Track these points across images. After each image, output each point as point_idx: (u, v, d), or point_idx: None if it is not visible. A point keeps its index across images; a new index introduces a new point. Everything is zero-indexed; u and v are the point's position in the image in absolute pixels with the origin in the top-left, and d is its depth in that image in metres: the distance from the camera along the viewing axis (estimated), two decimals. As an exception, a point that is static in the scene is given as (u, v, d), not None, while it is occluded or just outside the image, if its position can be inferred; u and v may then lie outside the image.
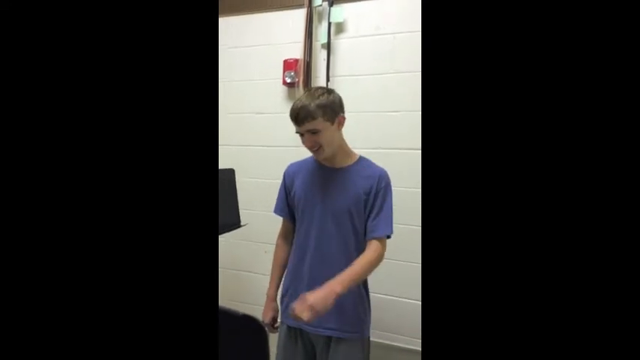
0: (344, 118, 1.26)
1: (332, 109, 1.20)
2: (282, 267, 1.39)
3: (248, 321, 0.88)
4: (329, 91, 1.24)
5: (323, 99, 1.19)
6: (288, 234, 1.41)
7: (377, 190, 1.25)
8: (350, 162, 1.30)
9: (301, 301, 1.10)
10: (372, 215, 1.25)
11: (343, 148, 1.29)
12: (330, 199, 1.26)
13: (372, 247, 1.23)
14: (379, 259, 1.24)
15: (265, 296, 1.40)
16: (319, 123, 1.18)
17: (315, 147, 1.22)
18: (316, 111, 1.17)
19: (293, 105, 1.21)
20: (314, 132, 1.19)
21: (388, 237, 1.27)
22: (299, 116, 1.17)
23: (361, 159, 1.32)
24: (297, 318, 1.09)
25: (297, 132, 1.23)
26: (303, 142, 1.24)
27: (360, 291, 1.30)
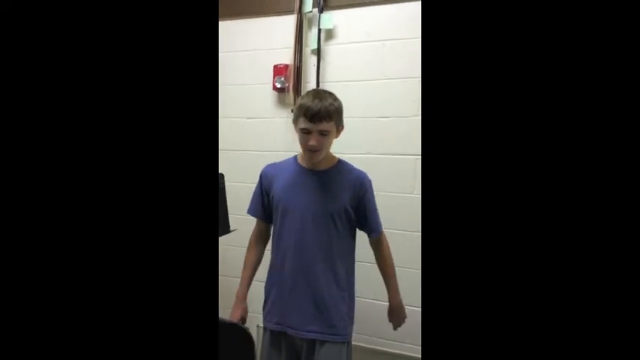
0: (343, 128, 1.28)
1: (341, 116, 1.25)
2: (253, 268, 1.40)
3: (236, 329, 0.88)
4: (338, 98, 1.26)
5: (337, 103, 1.23)
6: (262, 235, 1.41)
7: (363, 193, 1.28)
8: (330, 164, 1.30)
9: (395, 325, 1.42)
10: (369, 216, 1.30)
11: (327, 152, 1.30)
12: (312, 202, 1.26)
13: (384, 246, 1.37)
14: (389, 250, 1.40)
15: (248, 300, 1.39)
16: (332, 125, 1.21)
17: (318, 148, 1.21)
18: (334, 113, 1.20)
19: (308, 103, 1.18)
20: (324, 133, 1.20)
21: None
22: (320, 114, 1.16)
23: (340, 162, 1.33)
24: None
25: (304, 129, 1.20)
26: (307, 141, 1.21)
27: (342, 294, 1.29)
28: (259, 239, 1.41)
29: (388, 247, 1.38)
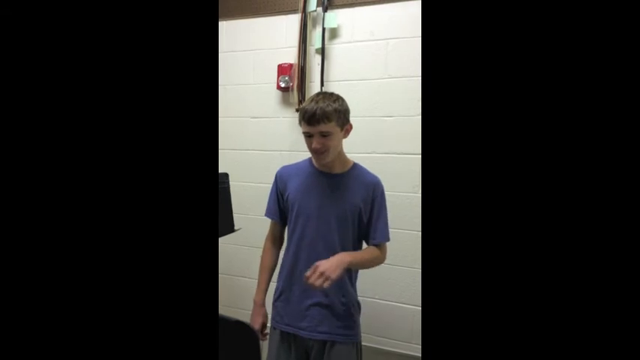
0: (351, 127, 1.28)
1: (344, 115, 1.23)
2: (270, 272, 1.38)
3: (241, 327, 0.88)
4: (341, 98, 1.25)
5: (337, 104, 1.21)
6: (277, 238, 1.40)
7: (373, 198, 1.27)
8: (346, 168, 1.30)
9: (312, 269, 1.12)
10: (372, 222, 1.28)
11: (341, 155, 1.29)
12: (327, 205, 1.26)
13: (380, 254, 1.30)
14: (381, 260, 1.31)
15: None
16: (332, 127, 1.19)
17: (322, 150, 1.21)
18: (332, 114, 1.18)
19: (307, 105, 1.20)
20: (325, 134, 1.19)
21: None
22: (315, 116, 1.17)
23: (356, 165, 1.33)
24: (312, 287, 1.12)
25: (305, 132, 1.21)
26: (310, 144, 1.22)
27: (352, 295, 1.31)
28: (274, 242, 1.41)
29: (383, 256, 1.31)
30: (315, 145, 1.20)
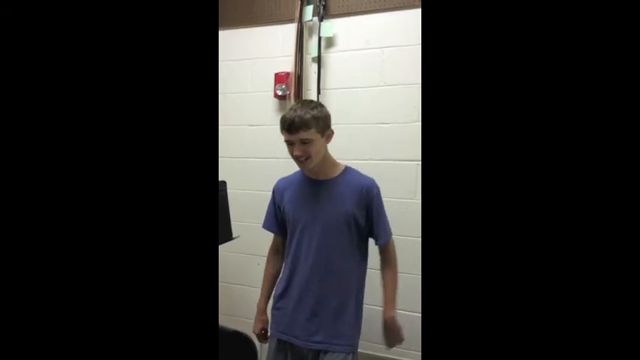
0: (333, 133, 1.29)
1: (324, 122, 1.24)
2: (272, 281, 1.41)
3: (239, 337, 0.88)
4: (321, 105, 1.27)
5: (316, 111, 1.22)
6: (279, 248, 1.41)
7: (369, 200, 1.28)
8: (336, 173, 1.31)
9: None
10: (375, 223, 1.29)
11: (328, 160, 1.30)
12: (320, 212, 1.27)
13: (391, 257, 1.34)
14: (395, 263, 1.36)
15: (250, 309, 1.41)
16: (312, 134, 1.20)
17: (304, 157, 1.22)
18: (311, 121, 1.19)
19: (286, 114, 1.22)
20: (305, 142, 1.20)
21: None
22: (294, 124, 1.18)
23: (348, 169, 1.33)
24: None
25: (287, 140, 1.23)
26: (291, 152, 1.24)
27: (350, 304, 1.30)
28: (276, 253, 1.43)
29: (394, 256, 1.35)
30: (296, 152, 1.22)
